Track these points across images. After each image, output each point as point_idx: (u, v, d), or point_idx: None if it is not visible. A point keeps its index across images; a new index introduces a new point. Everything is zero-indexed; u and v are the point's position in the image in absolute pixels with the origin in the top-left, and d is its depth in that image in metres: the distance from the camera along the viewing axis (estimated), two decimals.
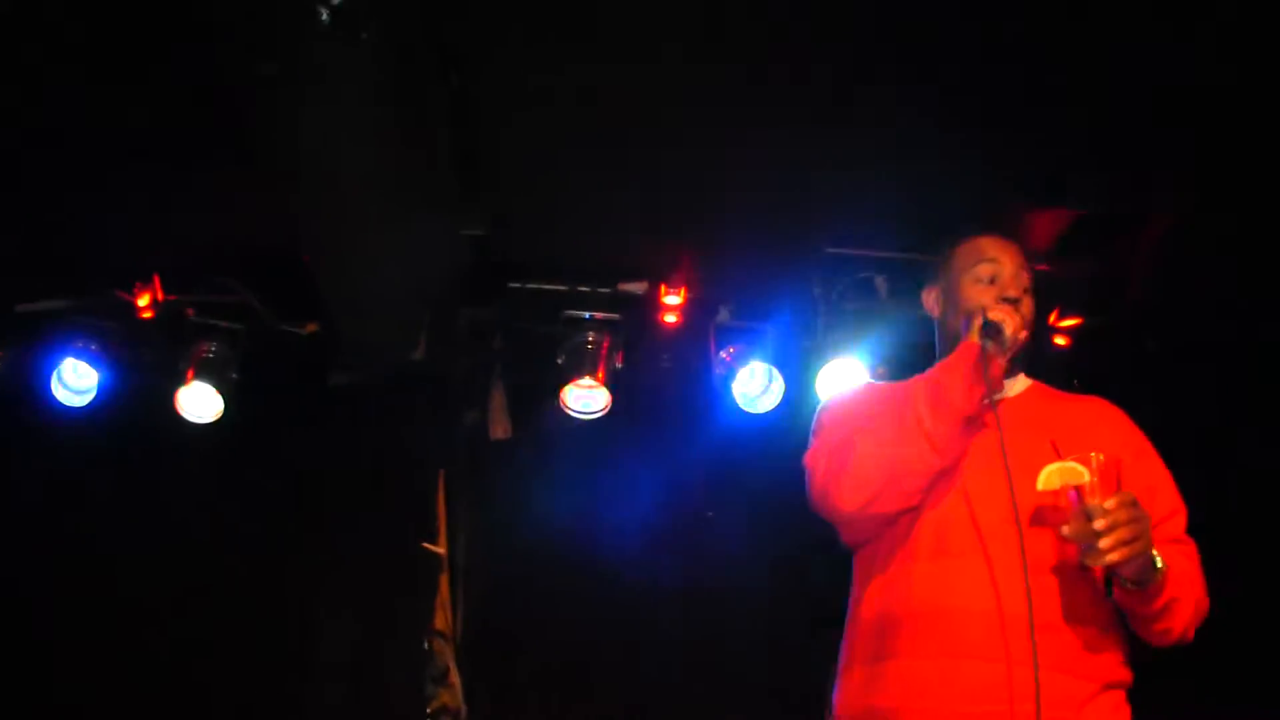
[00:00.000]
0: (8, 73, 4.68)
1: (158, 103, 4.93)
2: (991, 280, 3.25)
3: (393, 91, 4.60)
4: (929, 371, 3.18)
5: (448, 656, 6.09)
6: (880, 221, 5.59)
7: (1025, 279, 3.30)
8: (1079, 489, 2.87)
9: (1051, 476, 2.90)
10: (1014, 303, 3.19)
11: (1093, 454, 2.87)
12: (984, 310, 3.13)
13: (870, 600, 3.16)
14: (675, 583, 6.24)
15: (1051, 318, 6.01)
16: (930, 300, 3.44)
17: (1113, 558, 2.80)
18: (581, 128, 5.14)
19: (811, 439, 3.40)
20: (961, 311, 3.22)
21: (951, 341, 3.24)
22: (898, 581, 3.10)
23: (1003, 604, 2.93)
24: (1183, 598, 3.00)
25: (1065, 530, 2.85)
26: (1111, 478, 2.88)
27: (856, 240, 5.80)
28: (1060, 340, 6.05)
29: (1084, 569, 2.94)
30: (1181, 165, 5.19)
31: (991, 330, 3.10)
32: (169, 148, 5.22)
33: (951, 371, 3.06)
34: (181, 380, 6.09)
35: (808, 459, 3.31)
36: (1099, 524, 2.80)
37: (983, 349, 3.08)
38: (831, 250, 5.77)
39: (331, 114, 4.49)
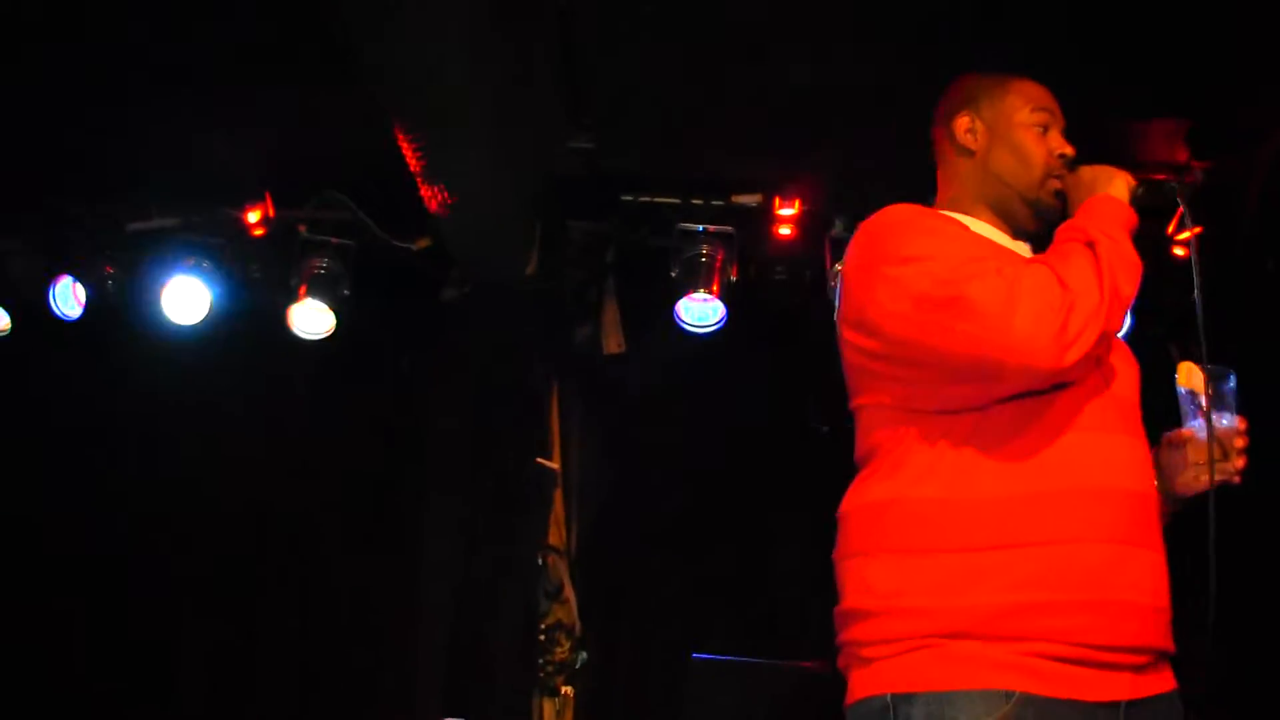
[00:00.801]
0: None
1: (264, 16, 4.91)
2: (1044, 130, 3.05)
3: (497, 2, 4.54)
4: (1097, 224, 2.80)
5: (562, 572, 6.10)
6: None
7: None
8: (1206, 399, 2.85)
9: (1192, 375, 2.88)
10: (1070, 163, 3.02)
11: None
12: (1133, 180, 2.91)
13: (990, 478, 2.71)
14: (788, 500, 6.19)
15: (1171, 228, 5.83)
16: (963, 129, 3.09)
17: (1236, 480, 2.83)
18: (693, 40, 5.04)
19: (897, 266, 2.77)
20: (1022, 159, 3.01)
21: (993, 181, 3.03)
22: (1040, 457, 2.71)
23: (1146, 485, 2.79)
24: None
25: (1197, 436, 2.88)
26: None
27: None
28: (1179, 251, 5.88)
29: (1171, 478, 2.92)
30: None
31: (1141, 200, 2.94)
32: (275, 64, 5.21)
33: (1124, 236, 2.79)
34: (294, 297, 6.11)
35: (951, 290, 2.65)
36: (1240, 443, 2.83)
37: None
38: None
39: (433, 26, 4.42)
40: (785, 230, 6.06)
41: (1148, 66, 5.05)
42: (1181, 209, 3.04)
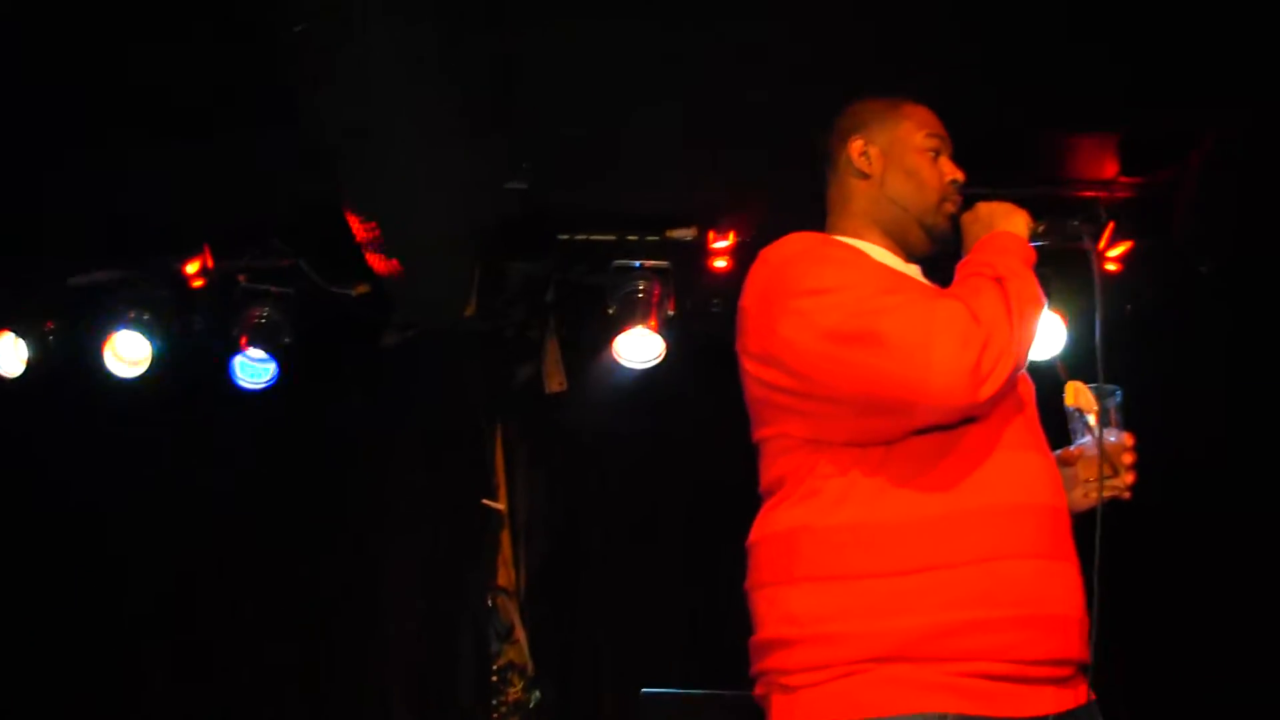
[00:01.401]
0: (45, 42, 4.70)
1: (197, 66, 4.94)
2: (936, 155, 3.08)
3: (434, 47, 4.59)
4: (1001, 260, 2.82)
5: (512, 612, 6.11)
6: None
7: None
8: (1094, 417, 2.90)
9: (1080, 394, 2.92)
10: (960, 189, 3.07)
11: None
12: (1031, 220, 2.95)
13: (908, 501, 2.68)
14: (736, 530, 6.20)
15: (1102, 242, 5.93)
16: (857, 153, 3.09)
17: (1126, 495, 2.89)
18: (626, 78, 5.10)
19: (804, 299, 2.73)
20: (918, 183, 3.03)
21: (888, 204, 3.04)
22: (956, 478, 2.70)
23: (1060, 500, 2.80)
24: None
25: (1086, 453, 2.94)
26: None
27: None
28: (1112, 266, 5.97)
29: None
30: (1228, 83, 5.12)
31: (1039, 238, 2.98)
32: (211, 112, 5.24)
33: (1029, 272, 2.81)
34: (235, 347, 6.11)
35: (864, 323, 2.62)
36: (1129, 458, 2.90)
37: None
38: None
39: (370, 72, 4.47)
40: (720, 263, 6.11)
41: (1076, 82, 5.12)
42: (1087, 243, 3.03)
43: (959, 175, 3.06)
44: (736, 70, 5.05)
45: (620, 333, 6.08)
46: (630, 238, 6.15)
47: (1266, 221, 5.88)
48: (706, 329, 6.30)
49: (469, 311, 6.16)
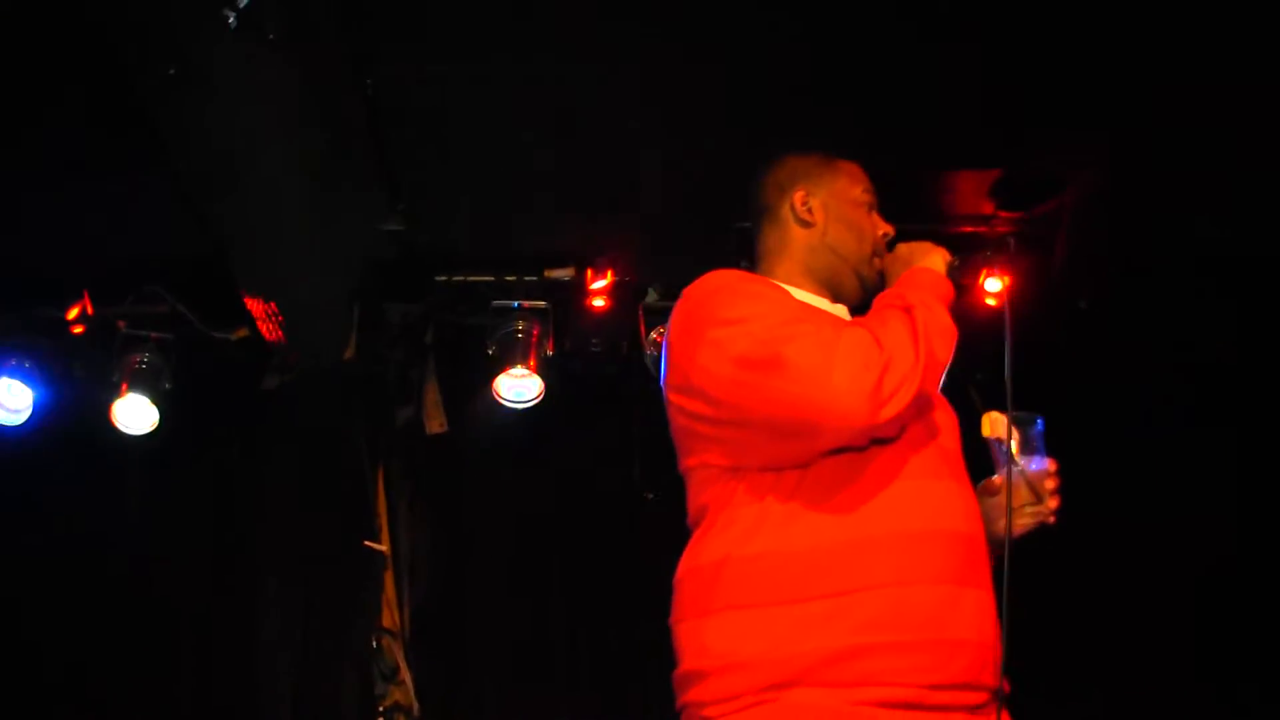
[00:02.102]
0: None
1: (66, 112, 4.95)
2: (870, 209, 3.24)
3: (304, 91, 4.61)
4: (913, 292, 2.92)
5: (397, 653, 6.09)
6: None
7: None
8: (1015, 445, 2.95)
9: (997, 424, 2.97)
10: (891, 242, 3.21)
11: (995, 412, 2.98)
12: (949, 256, 3.09)
13: (817, 527, 2.75)
14: (619, 567, 6.26)
15: (981, 277, 6.01)
16: (800, 203, 3.22)
17: (1051, 520, 2.98)
18: (498, 120, 5.17)
19: (719, 329, 2.83)
20: (858, 234, 3.18)
21: (827, 253, 3.18)
22: (867, 505, 2.77)
23: (973, 527, 2.86)
24: None
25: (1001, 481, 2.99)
26: None
27: None
28: (991, 301, 6.06)
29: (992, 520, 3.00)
30: (1102, 124, 5.24)
31: (957, 273, 3.09)
32: (83, 158, 5.24)
33: (940, 305, 2.92)
34: (116, 393, 6.10)
35: (771, 349, 2.71)
36: (1052, 484, 2.99)
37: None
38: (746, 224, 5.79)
39: (241, 116, 4.50)
40: (599, 302, 6.17)
41: (954, 119, 5.23)
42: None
43: (889, 230, 3.23)
44: (613, 109, 5.12)
45: (500, 373, 6.12)
46: (509, 278, 6.21)
47: (1140, 257, 6.02)
48: (586, 368, 6.37)
49: (348, 354, 6.18)
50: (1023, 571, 2.79)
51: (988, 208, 5.90)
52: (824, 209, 3.20)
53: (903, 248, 3.15)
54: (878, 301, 2.95)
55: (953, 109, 5.15)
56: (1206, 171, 5.47)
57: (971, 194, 5.84)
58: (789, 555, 2.74)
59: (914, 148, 5.38)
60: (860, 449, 2.77)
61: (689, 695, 2.80)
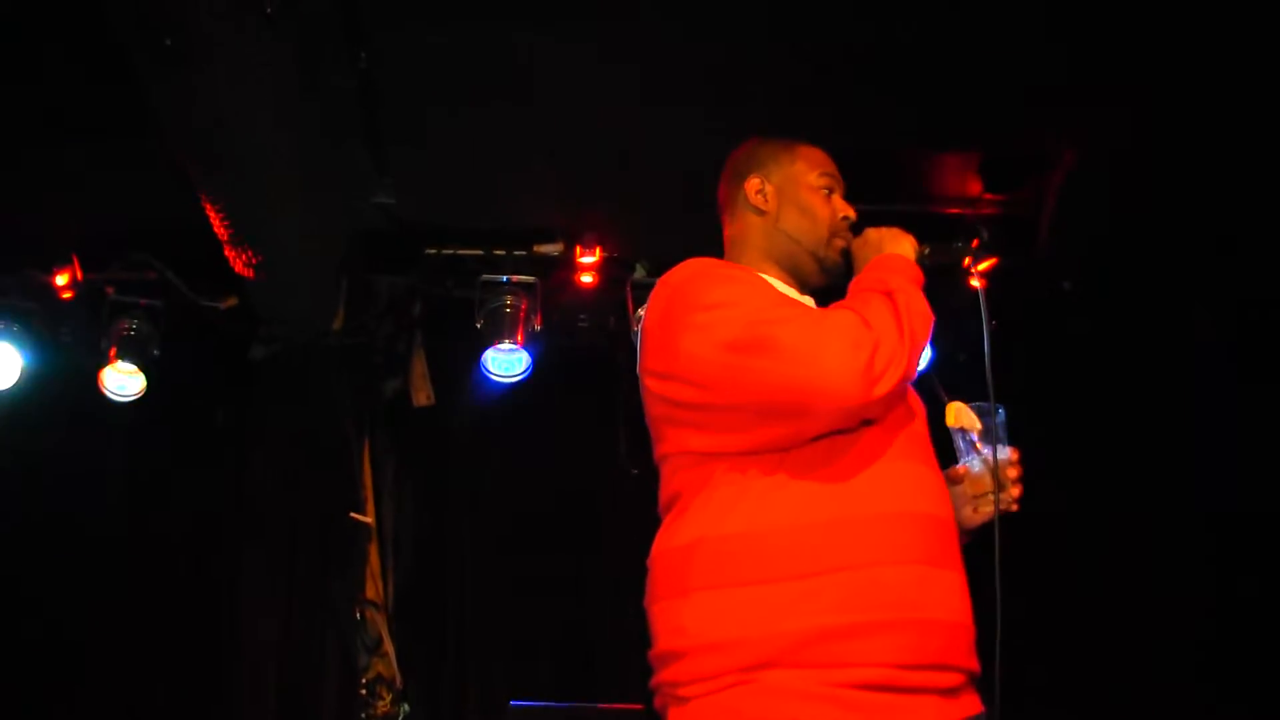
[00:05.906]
0: None
1: (60, 79, 4.95)
2: (829, 193, 3.21)
3: (298, 62, 4.61)
4: (891, 277, 2.93)
5: (380, 625, 6.11)
6: None
7: None
8: (977, 435, 2.98)
9: (961, 414, 3.00)
10: (854, 225, 3.20)
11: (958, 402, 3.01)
12: (922, 245, 3.08)
13: (794, 507, 2.74)
14: (605, 542, 6.29)
15: (966, 260, 6.00)
16: (754, 190, 3.21)
17: (1014, 508, 2.98)
18: (491, 93, 5.16)
19: (703, 313, 2.82)
20: (811, 218, 3.15)
21: (783, 238, 3.16)
22: (842, 486, 2.76)
23: (946, 511, 2.87)
24: None
25: (972, 470, 3.01)
26: None
27: None
28: (976, 283, 6.05)
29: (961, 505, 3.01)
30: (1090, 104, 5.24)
31: (926, 260, 3.09)
32: (76, 125, 5.25)
33: (917, 289, 2.92)
34: (104, 359, 6.12)
35: (760, 332, 2.71)
36: (1014, 472, 2.99)
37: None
38: None
39: (234, 88, 4.49)
40: (587, 278, 6.18)
41: (940, 101, 5.22)
42: (970, 260, 3.21)
43: (850, 213, 3.19)
44: (606, 85, 5.13)
45: (488, 347, 6.14)
46: (498, 252, 6.20)
47: (1125, 239, 6.03)
48: (573, 343, 6.38)
49: (336, 325, 6.19)
50: (1005, 559, 2.85)
51: (974, 189, 5.91)
52: (778, 194, 3.18)
53: (872, 233, 3.11)
54: (855, 285, 2.94)
55: (937, 89, 5.14)
56: (1195, 153, 5.47)
57: (956, 175, 5.86)
58: (763, 535, 2.72)
59: (898, 128, 5.41)
60: (841, 433, 2.77)
61: (664, 675, 2.79)
